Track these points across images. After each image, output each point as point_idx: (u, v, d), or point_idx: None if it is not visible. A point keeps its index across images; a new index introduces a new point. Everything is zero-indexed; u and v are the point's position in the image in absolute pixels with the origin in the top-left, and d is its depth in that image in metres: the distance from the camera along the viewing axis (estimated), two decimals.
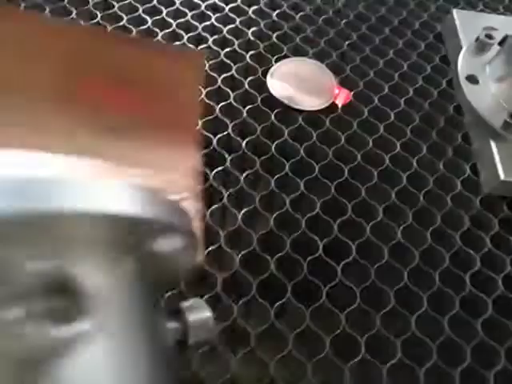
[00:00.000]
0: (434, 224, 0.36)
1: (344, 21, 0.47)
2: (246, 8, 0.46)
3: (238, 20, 0.46)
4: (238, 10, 0.46)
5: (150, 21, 0.44)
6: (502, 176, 0.36)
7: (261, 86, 0.41)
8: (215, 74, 0.41)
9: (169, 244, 0.22)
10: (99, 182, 0.18)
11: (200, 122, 0.38)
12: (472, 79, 0.40)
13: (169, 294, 0.31)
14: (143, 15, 0.44)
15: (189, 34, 0.44)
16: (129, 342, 0.18)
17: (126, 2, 0.45)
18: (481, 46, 0.41)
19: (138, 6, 0.45)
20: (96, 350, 0.16)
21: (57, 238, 0.17)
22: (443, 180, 0.39)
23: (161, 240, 0.22)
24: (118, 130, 0.24)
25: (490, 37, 0.41)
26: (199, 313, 0.24)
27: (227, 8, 0.46)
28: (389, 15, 0.48)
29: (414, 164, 0.39)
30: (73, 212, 0.16)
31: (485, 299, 0.34)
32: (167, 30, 0.44)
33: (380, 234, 0.35)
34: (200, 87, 0.39)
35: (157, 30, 0.43)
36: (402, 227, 0.36)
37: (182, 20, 0.45)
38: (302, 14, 0.47)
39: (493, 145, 0.37)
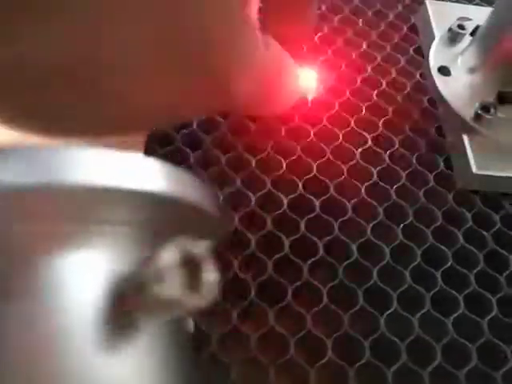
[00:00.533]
0: (406, 220, 0.35)
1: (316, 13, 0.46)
2: None
3: None
4: None
5: None
6: (473, 169, 0.35)
7: None
8: None
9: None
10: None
11: None
12: (444, 70, 0.39)
13: None
14: None
15: None
16: None
17: None
18: (453, 37, 0.40)
19: None
20: None
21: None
22: (416, 175, 0.38)
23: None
24: None
25: (462, 27, 0.40)
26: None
27: None
28: (362, 7, 0.47)
29: (386, 159, 0.38)
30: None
31: (456, 296, 0.33)
32: None
33: (349, 231, 0.34)
34: None
35: None
36: (372, 224, 0.35)
37: None
38: None
39: (465, 137, 0.36)
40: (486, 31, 0.37)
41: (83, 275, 0.14)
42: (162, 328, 0.16)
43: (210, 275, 0.14)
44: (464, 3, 0.48)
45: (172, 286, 0.13)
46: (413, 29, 0.46)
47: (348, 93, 0.41)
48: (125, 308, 0.14)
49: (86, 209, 0.14)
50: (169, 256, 0.13)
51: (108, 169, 0.13)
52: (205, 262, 0.14)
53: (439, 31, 0.42)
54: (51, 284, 0.13)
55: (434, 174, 0.38)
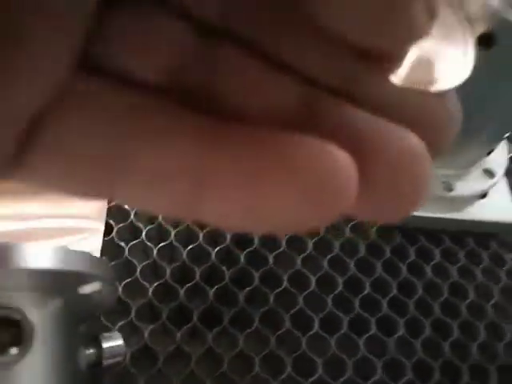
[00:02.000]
0: (332, 253, 0.41)
1: None
2: None
3: None
4: None
5: None
6: None
7: None
8: None
9: (91, 287, 0.27)
10: (39, 246, 0.24)
11: None
12: None
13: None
14: None
15: None
16: (50, 363, 0.23)
17: None
18: None
19: None
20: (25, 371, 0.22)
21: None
22: None
23: (85, 285, 0.27)
24: None
25: None
26: (113, 341, 0.29)
27: None
28: None
29: None
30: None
31: (370, 319, 0.39)
32: None
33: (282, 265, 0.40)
34: None
35: None
36: (302, 256, 0.41)
37: None
38: None
39: None
40: None
41: None
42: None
43: (27, 326, 0.19)
44: None
45: None
46: None
47: None
48: None
49: None
50: None
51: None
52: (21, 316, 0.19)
53: None
54: None
55: None
